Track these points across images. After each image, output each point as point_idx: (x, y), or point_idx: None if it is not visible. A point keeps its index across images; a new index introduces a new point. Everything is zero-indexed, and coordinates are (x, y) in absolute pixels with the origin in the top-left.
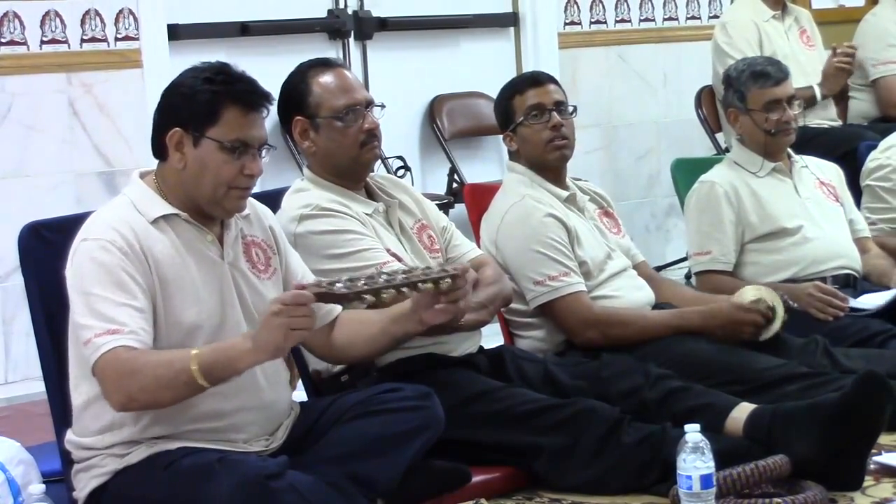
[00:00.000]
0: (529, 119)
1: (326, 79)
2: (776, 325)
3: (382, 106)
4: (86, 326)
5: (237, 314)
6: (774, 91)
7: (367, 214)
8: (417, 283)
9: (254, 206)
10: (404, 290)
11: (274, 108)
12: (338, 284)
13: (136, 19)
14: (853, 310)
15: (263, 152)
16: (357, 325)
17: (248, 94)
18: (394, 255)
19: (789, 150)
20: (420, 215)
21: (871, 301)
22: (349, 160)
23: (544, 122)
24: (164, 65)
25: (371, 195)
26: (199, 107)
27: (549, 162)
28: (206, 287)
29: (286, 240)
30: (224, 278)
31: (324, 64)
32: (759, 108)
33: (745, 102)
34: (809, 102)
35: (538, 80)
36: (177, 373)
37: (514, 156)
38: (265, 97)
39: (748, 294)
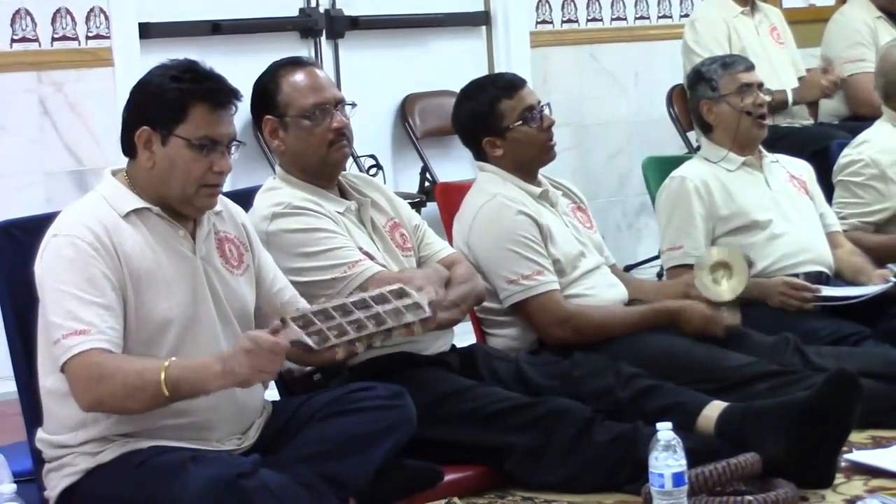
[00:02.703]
0: (527, 122)
1: (296, 78)
2: (738, 281)
3: (353, 105)
4: (55, 325)
5: (210, 309)
6: (746, 75)
7: (339, 213)
8: (391, 330)
9: (226, 203)
10: (376, 341)
11: (243, 105)
12: (313, 336)
13: (107, 18)
14: (825, 298)
15: (233, 149)
16: None
17: (215, 92)
18: (366, 253)
19: (760, 146)
20: (392, 214)
21: (844, 292)
22: (318, 159)
23: (538, 124)
24: (136, 63)
25: (343, 193)
26: (167, 105)
27: (542, 163)
28: (178, 282)
29: (258, 239)
30: (196, 273)
31: (294, 63)
32: (732, 91)
33: (717, 90)
34: (780, 106)
35: (519, 82)
36: (146, 382)
37: (493, 160)
38: (233, 94)
39: (712, 255)
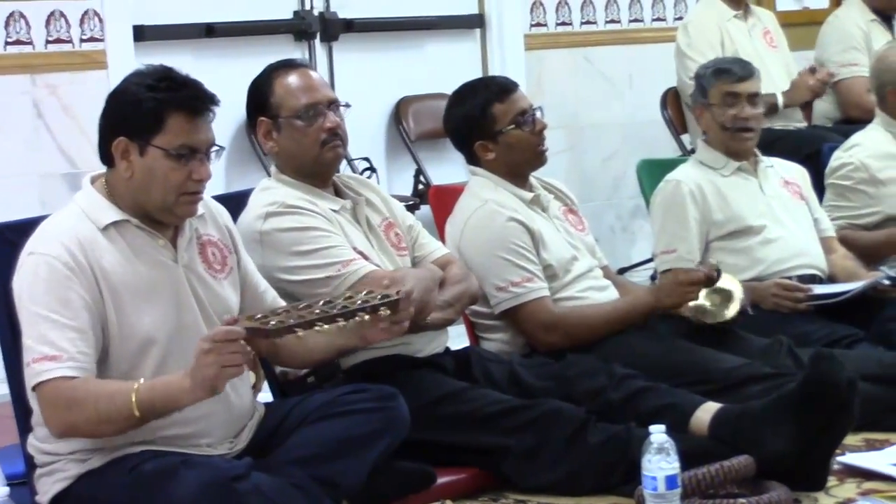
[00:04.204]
0: (519, 126)
1: (289, 79)
2: (732, 310)
3: (347, 105)
4: (27, 347)
5: (195, 317)
6: (734, 86)
7: (333, 211)
8: (355, 312)
9: (209, 205)
10: (339, 321)
11: (237, 110)
12: (271, 322)
13: (101, 20)
14: (817, 297)
15: (212, 155)
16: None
17: (192, 100)
18: (360, 252)
19: (755, 150)
20: (387, 213)
21: (835, 288)
22: (311, 159)
23: (531, 128)
24: (130, 66)
25: (338, 193)
26: (143, 116)
27: (534, 167)
28: (160, 293)
29: (241, 242)
30: (179, 282)
31: (288, 65)
32: (717, 102)
33: (706, 97)
34: (771, 110)
35: (511, 85)
36: (118, 407)
37: (485, 164)
38: (210, 100)
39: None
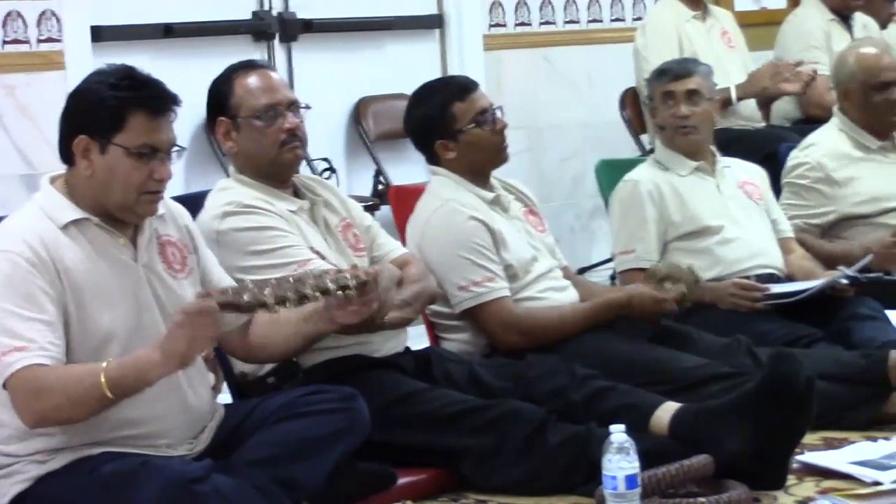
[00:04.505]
0: (479, 125)
1: (249, 80)
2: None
3: (307, 107)
4: None
5: (154, 317)
6: (669, 85)
7: (291, 211)
8: (326, 290)
9: (168, 205)
10: (310, 297)
11: (196, 111)
12: (245, 296)
13: (58, 21)
14: (775, 296)
15: (173, 155)
16: (271, 326)
17: (153, 99)
18: (317, 252)
19: (714, 150)
20: (345, 214)
21: (792, 287)
22: (269, 160)
23: (491, 126)
24: (88, 67)
25: (297, 193)
26: (105, 114)
27: (495, 166)
28: (120, 291)
29: (202, 241)
30: (139, 281)
31: (248, 66)
32: (658, 102)
33: (652, 100)
34: (725, 104)
35: (471, 85)
36: (88, 388)
37: (446, 163)
38: (172, 100)
39: (660, 269)
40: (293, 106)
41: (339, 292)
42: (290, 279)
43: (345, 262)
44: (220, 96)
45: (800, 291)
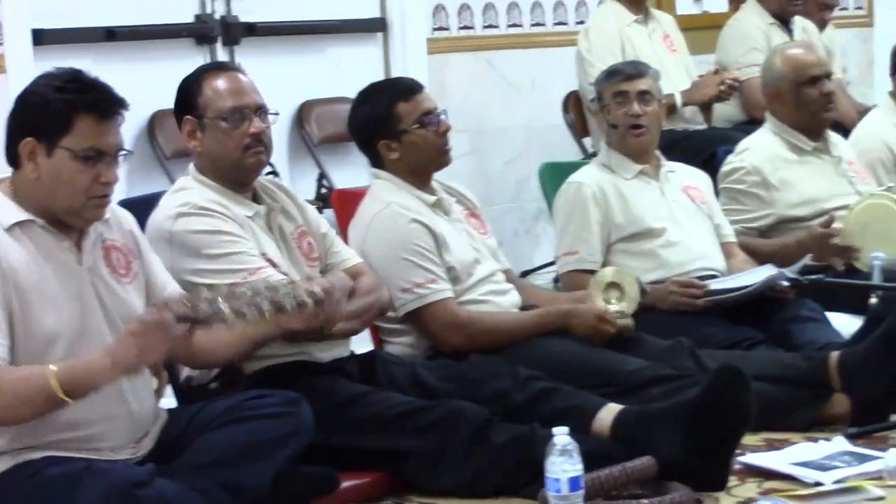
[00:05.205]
0: (424, 126)
1: (218, 81)
2: (628, 305)
3: (276, 113)
4: None
5: (98, 320)
6: (622, 85)
7: (247, 217)
8: (282, 307)
9: (113, 210)
10: (266, 315)
11: (139, 114)
12: (201, 306)
13: None
14: (714, 292)
15: (120, 159)
16: (216, 330)
17: (101, 102)
18: (269, 260)
19: (658, 154)
20: (301, 221)
21: (731, 282)
22: (232, 163)
23: (435, 128)
24: (29, 71)
25: (255, 198)
26: (52, 117)
27: (437, 168)
28: (64, 294)
29: (148, 244)
30: (83, 285)
31: (219, 67)
32: (609, 102)
33: (602, 101)
34: (670, 110)
35: (416, 86)
36: (36, 389)
37: (388, 164)
38: (119, 104)
39: (605, 275)
40: (260, 111)
41: (295, 305)
42: (247, 291)
43: (297, 272)
44: (188, 95)
45: (739, 288)
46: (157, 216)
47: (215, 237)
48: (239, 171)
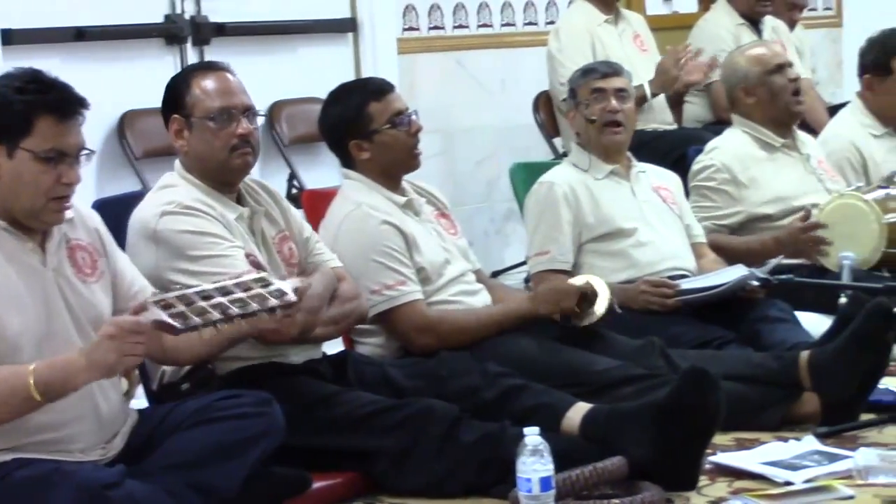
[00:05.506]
0: (395, 126)
1: (207, 80)
2: (600, 307)
3: (264, 115)
4: None
5: (65, 322)
6: (599, 82)
7: (231, 218)
8: (254, 313)
9: (78, 209)
10: (241, 321)
11: (108, 116)
12: (177, 323)
13: None
14: (685, 292)
15: (82, 159)
16: None
17: (61, 103)
18: (255, 262)
19: (629, 155)
20: (283, 225)
21: (702, 282)
22: (218, 163)
23: (406, 128)
24: None
25: (240, 199)
26: (12, 118)
27: (407, 169)
28: (29, 296)
29: (113, 242)
30: (48, 286)
31: (209, 67)
32: (584, 98)
33: (576, 98)
34: (640, 101)
35: (387, 86)
36: (13, 390)
37: (359, 164)
38: (80, 103)
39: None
40: (249, 112)
41: (266, 315)
42: (220, 299)
43: (276, 277)
44: (176, 94)
45: (710, 287)
46: (142, 213)
47: (200, 238)
48: (225, 172)
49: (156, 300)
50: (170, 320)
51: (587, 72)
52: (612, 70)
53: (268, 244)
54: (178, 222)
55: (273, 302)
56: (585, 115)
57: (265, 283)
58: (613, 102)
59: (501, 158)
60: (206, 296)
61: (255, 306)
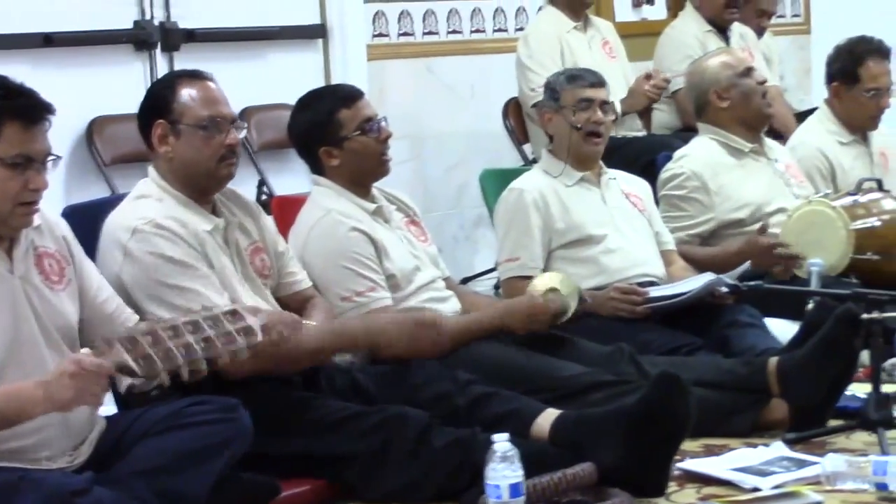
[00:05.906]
0: (365, 132)
1: (194, 87)
2: (569, 308)
3: (245, 126)
4: None
5: (32, 329)
6: (587, 91)
7: (206, 231)
8: (216, 358)
9: (45, 216)
10: (201, 370)
11: (59, 120)
12: (139, 361)
13: None
14: (654, 299)
15: (49, 164)
16: None
17: (28, 108)
18: (229, 284)
19: (600, 162)
20: (257, 237)
21: (671, 289)
22: (205, 172)
23: (376, 135)
24: None
25: (215, 210)
26: None
27: (377, 176)
28: None
29: (81, 250)
30: (16, 293)
31: (194, 74)
32: (570, 104)
33: (558, 101)
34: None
35: (357, 93)
36: None
37: (329, 171)
38: (46, 109)
39: (543, 280)
40: (235, 123)
41: (229, 357)
42: (188, 334)
43: (250, 288)
44: (161, 99)
45: (678, 294)
46: (115, 222)
47: (169, 265)
48: (210, 180)
49: (122, 337)
50: (133, 365)
51: (573, 78)
52: (599, 81)
53: (241, 255)
54: (150, 243)
55: (239, 344)
56: (571, 121)
57: (236, 315)
58: (599, 114)
59: (471, 164)
60: (176, 332)
61: (219, 350)
